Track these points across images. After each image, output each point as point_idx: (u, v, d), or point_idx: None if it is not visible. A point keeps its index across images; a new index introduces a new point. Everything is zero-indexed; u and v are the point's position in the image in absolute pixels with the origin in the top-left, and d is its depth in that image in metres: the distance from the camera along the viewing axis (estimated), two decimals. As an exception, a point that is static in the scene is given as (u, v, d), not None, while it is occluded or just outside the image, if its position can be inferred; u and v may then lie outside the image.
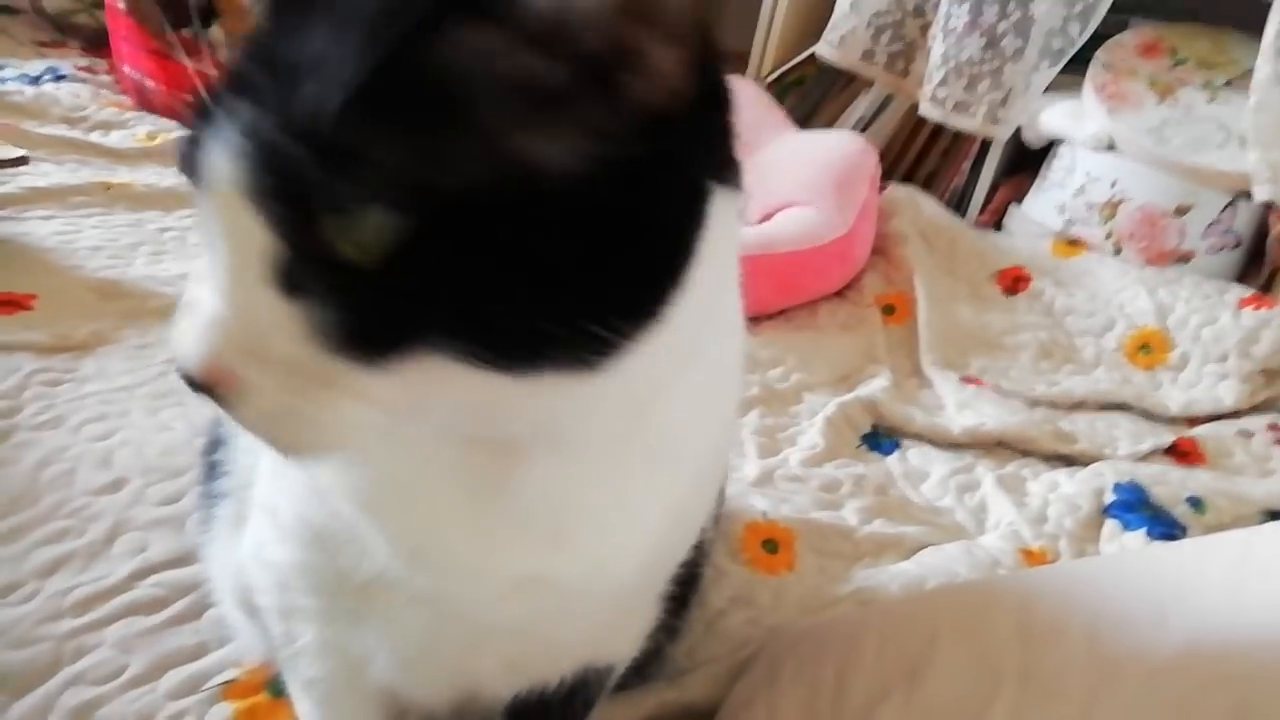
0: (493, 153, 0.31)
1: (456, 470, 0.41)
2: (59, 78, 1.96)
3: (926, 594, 0.85)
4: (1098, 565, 0.86)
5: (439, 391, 0.34)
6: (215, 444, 0.67)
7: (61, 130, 1.72)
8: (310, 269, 0.32)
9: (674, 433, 0.44)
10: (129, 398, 1.05)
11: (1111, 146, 1.63)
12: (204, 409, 0.45)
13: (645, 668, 0.76)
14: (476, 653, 0.52)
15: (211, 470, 0.67)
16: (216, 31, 1.82)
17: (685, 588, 0.64)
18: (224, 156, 0.31)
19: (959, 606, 0.74)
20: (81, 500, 0.89)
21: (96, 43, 2.13)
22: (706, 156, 0.36)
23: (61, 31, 2.27)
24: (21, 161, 1.43)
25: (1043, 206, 1.71)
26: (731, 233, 0.40)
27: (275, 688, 0.72)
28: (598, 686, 0.61)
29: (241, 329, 0.33)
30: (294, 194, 0.30)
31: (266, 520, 0.53)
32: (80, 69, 2.03)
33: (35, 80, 1.92)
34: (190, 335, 0.33)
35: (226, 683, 0.74)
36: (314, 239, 0.31)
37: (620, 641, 0.60)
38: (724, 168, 0.37)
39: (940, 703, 0.64)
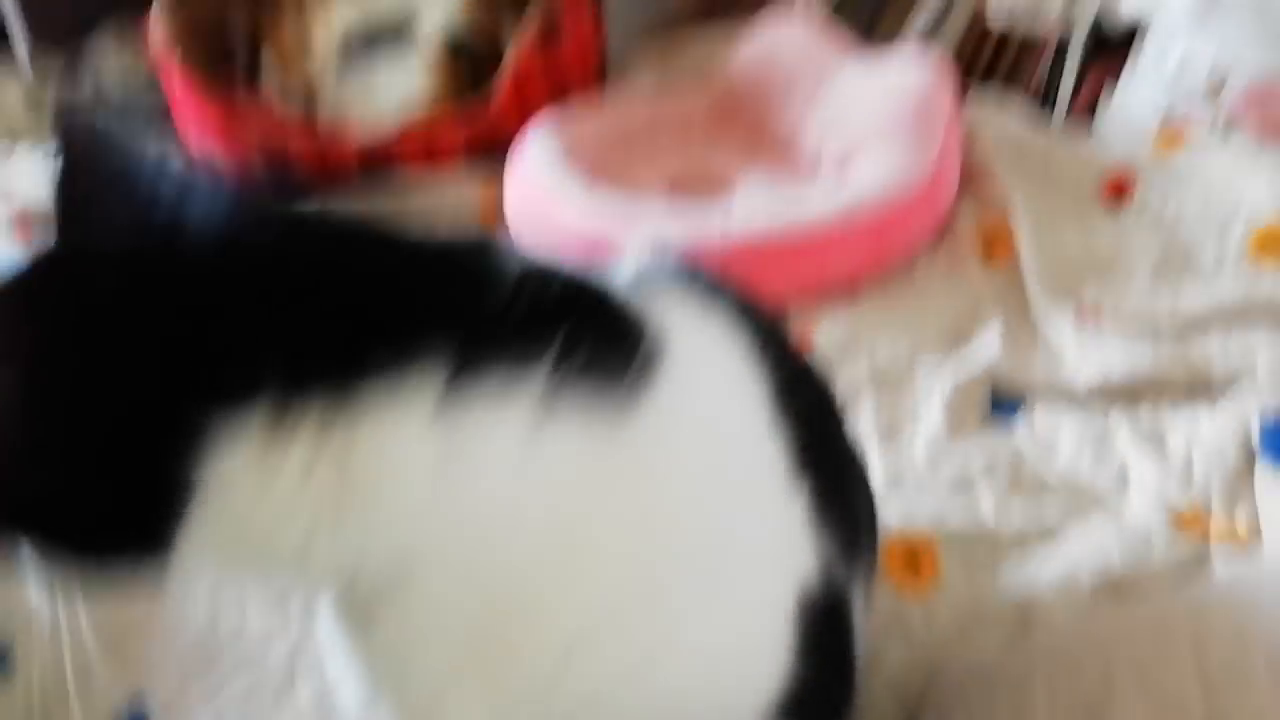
0: None
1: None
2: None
3: (1093, 624, 0.83)
4: (1265, 574, 0.83)
5: None
6: None
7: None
8: None
9: None
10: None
11: (1211, 13, 1.50)
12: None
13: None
14: None
15: None
16: (268, 57, 1.77)
17: None
18: None
19: (1129, 639, 0.73)
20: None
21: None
22: None
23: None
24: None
25: (1137, 96, 1.59)
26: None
27: None
28: None
29: None
30: None
31: None
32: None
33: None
34: None
35: None
36: None
37: None
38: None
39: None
